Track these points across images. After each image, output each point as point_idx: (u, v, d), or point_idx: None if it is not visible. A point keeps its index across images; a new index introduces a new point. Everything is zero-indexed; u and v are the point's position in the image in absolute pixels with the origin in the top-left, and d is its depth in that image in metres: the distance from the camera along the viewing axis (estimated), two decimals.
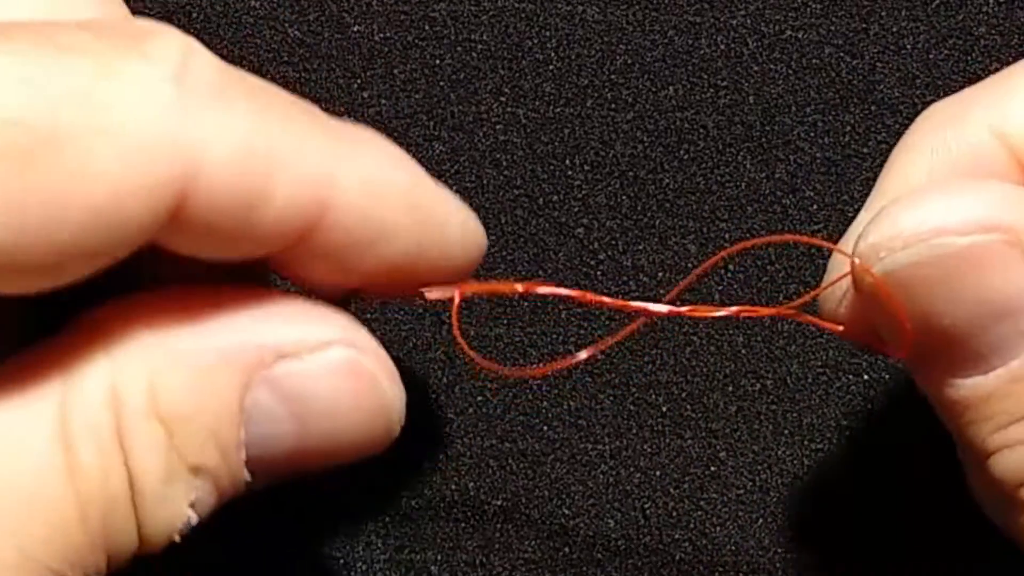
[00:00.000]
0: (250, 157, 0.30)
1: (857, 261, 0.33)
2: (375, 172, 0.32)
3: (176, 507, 0.32)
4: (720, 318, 0.36)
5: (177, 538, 0.32)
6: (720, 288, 0.43)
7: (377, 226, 0.32)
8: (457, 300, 0.34)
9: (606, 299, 0.35)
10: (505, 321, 0.43)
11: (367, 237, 0.32)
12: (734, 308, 0.35)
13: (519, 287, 0.35)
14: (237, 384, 0.31)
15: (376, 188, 0.32)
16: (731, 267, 0.43)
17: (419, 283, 0.34)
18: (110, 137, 0.29)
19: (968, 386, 0.33)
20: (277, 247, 0.31)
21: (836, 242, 0.35)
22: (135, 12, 0.43)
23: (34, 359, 0.31)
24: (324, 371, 0.32)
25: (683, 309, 0.35)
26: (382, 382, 0.33)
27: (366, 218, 0.32)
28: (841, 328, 0.35)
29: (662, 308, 0.35)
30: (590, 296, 0.35)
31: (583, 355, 0.35)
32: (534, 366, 0.35)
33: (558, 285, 0.35)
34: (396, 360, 0.42)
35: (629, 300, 0.35)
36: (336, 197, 0.31)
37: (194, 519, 0.32)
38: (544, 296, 0.35)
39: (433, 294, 0.34)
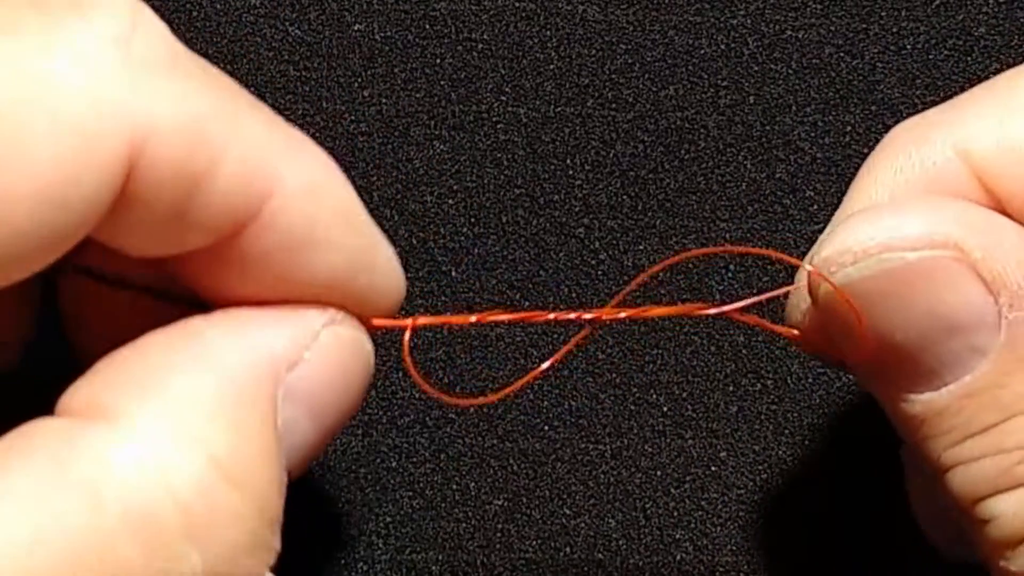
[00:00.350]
0: (198, 132, 0.28)
1: (811, 269, 0.33)
2: (319, 175, 0.31)
3: None
4: (664, 316, 0.36)
5: None
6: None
7: (313, 232, 0.30)
8: (408, 334, 0.33)
9: (550, 315, 0.34)
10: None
11: (302, 241, 0.30)
12: (679, 307, 0.35)
13: (472, 317, 0.34)
14: (271, 411, 0.30)
15: (318, 191, 0.31)
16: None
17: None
18: (48, 111, 0.27)
19: (923, 401, 0.33)
20: (214, 236, 0.30)
21: None
22: None
23: (30, 453, 0.28)
24: (326, 360, 0.31)
25: (623, 314, 0.35)
26: (362, 338, 0.32)
27: (305, 219, 0.30)
28: (796, 333, 0.35)
29: (607, 314, 0.35)
30: (537, 315, 0.35)
31: (541, 368, 0.35)
32: (486, 394, 0.35)
33: (508, 307, 0.35)
34: (395, 360, 0.42)
35: (579, 310, 0.35)
36: (279, 190, 0.30)
37: None
38: (496, 322, 0.35)
39: (382, 323, 0.33)
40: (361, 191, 0.42)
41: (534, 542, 0.42)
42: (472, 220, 0.43)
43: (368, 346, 0.32)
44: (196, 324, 0.30)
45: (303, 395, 0.30)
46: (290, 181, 0.30)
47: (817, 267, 0.33)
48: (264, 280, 0.31)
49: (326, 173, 0.31)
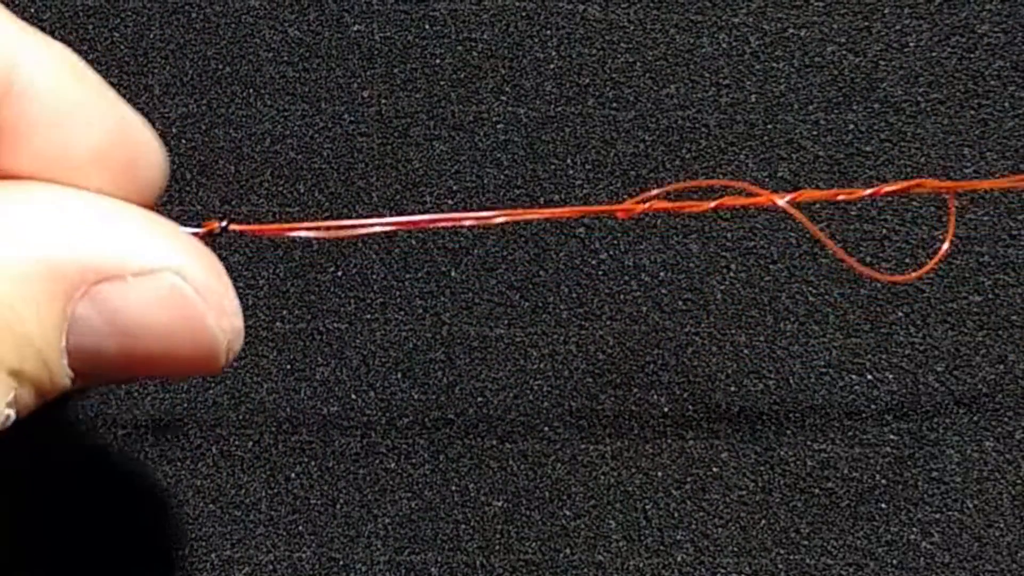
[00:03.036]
0: None
1: None
2: (62, 49, 0.32)
3: None
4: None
5: None
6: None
7: (65, 103, 0.32)
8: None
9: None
10: (505, 321, 0.43)
11: (55, 114, 0.31)
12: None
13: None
14: (60, 295, 0.31)
15: (65, 63, 0.32)
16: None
17: (113, 190, 0.33)
18: None
19: None
20: None
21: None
22: (133, 10, 0.43)
23: None
24: (146, 298, 0.31)
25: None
26: (206, 317, 0.32)
27: (55, 90, 0.31)
28: None
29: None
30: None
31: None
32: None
33: None
34: (395, 361, 0.42)
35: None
36: (26, 59, 0.31)
37: (12, 416, 0.31)
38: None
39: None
40: (361, 192, 0.43)
41: (534, 543, 0.42)
42: None
43: (207, 322, 0.32)
44: (34, 188, 0.32)
45: (107, 307, 0.31)
46: (35, 51, 0.31)
47: None
48: (20, 157, 0.32)
49: (68, 51, 0.32)
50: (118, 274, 0.31)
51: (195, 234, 0.34)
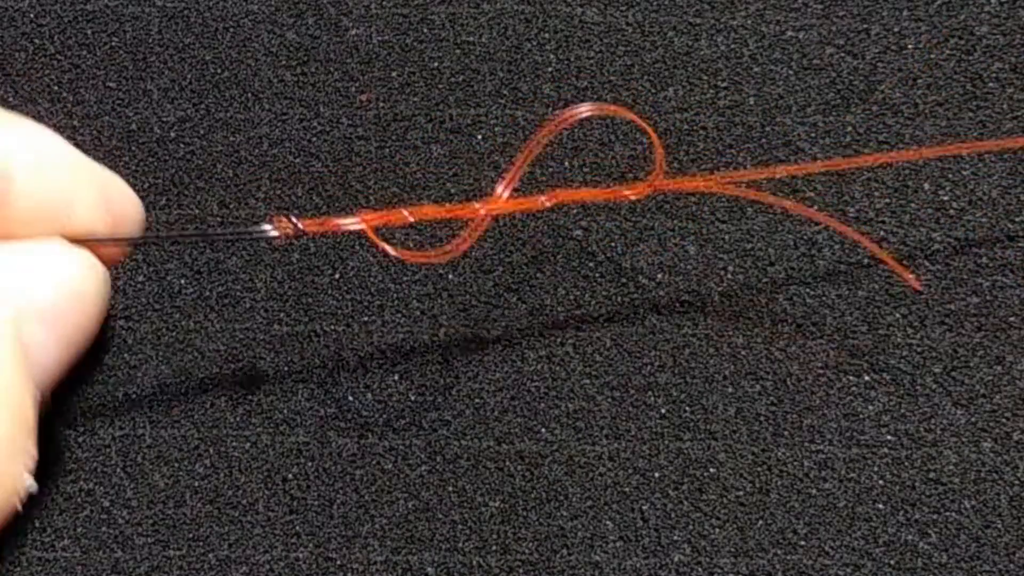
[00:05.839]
0: None
1: None
2: (47, 148, 0.34)
3: (14, 482, 0.32)
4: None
5: (19, 507, 0.32)
6: None
7: (61, 194, 0.34)
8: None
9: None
10: (502, 323, 0.43)
11: (55, 203, 0.34)
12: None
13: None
14: (10, 330, 0.32)
15: (50, 162, 0.34)
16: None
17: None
18: None
19: None
20: None
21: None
22: (132, 16, 0.44)
23: None
24: (53, 280, 0.34)
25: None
26: (90, 258, 0.35)
27: (51, 188, 0.34)
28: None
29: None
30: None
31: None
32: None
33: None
34: (392, 362, 0.42)
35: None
36: (16, 180, 0.33)
37: (34, 485, 0.32)
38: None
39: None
40: (358, 195, 0.43)
41: (531, 543, 0.42)
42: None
43: (98, 266, 0.35)
44: None
45: (37, 313, 0.33)
46: (24, 164, 0.33)
47: None
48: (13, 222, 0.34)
49: (52, 142, 0.35)
50: (25, 284, 0.33)
51: (275, 237, 0.36)
